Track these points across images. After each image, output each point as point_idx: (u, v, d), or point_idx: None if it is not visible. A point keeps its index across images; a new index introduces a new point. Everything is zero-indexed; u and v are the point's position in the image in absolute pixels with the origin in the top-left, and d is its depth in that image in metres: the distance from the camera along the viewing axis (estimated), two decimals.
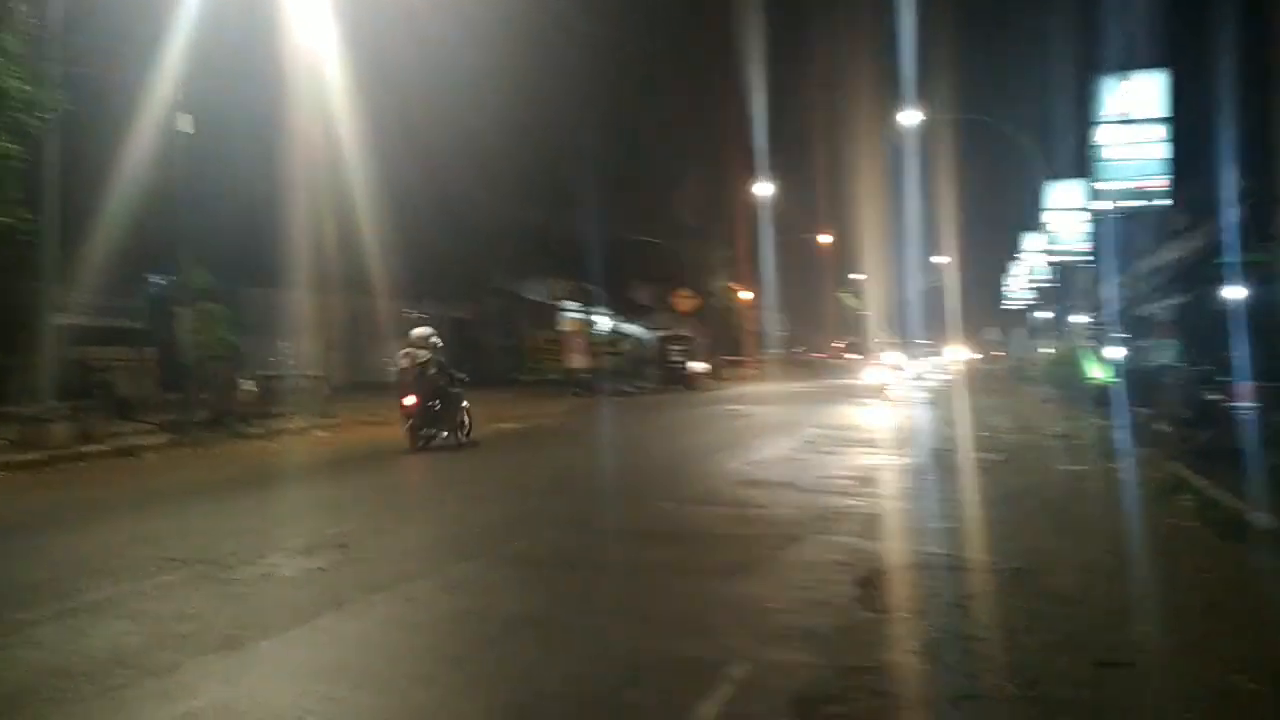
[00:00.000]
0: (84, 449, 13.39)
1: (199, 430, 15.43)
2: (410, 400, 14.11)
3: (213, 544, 7.46)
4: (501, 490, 11.27)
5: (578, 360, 33.17)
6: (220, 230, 18.83)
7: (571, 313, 42.37)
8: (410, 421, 14.15)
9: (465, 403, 14.85)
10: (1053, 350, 33.68)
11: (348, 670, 4.73)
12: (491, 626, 5.46)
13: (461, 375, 15.03)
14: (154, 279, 21.22)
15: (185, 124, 15.64)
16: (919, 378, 35.81)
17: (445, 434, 14.49)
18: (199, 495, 10.50)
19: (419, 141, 25.63)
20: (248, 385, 17.59)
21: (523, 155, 32.22)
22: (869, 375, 28.90)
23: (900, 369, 37.53)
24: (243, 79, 18.72)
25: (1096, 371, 21.14)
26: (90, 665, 4.73)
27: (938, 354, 48.07)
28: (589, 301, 42.56)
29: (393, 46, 22.72)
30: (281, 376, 19.96)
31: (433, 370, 14.31)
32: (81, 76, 14.42)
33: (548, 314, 41.13)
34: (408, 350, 14.51)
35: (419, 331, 14.69)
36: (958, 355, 50.17)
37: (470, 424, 14.97)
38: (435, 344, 14.57)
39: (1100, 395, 19.24)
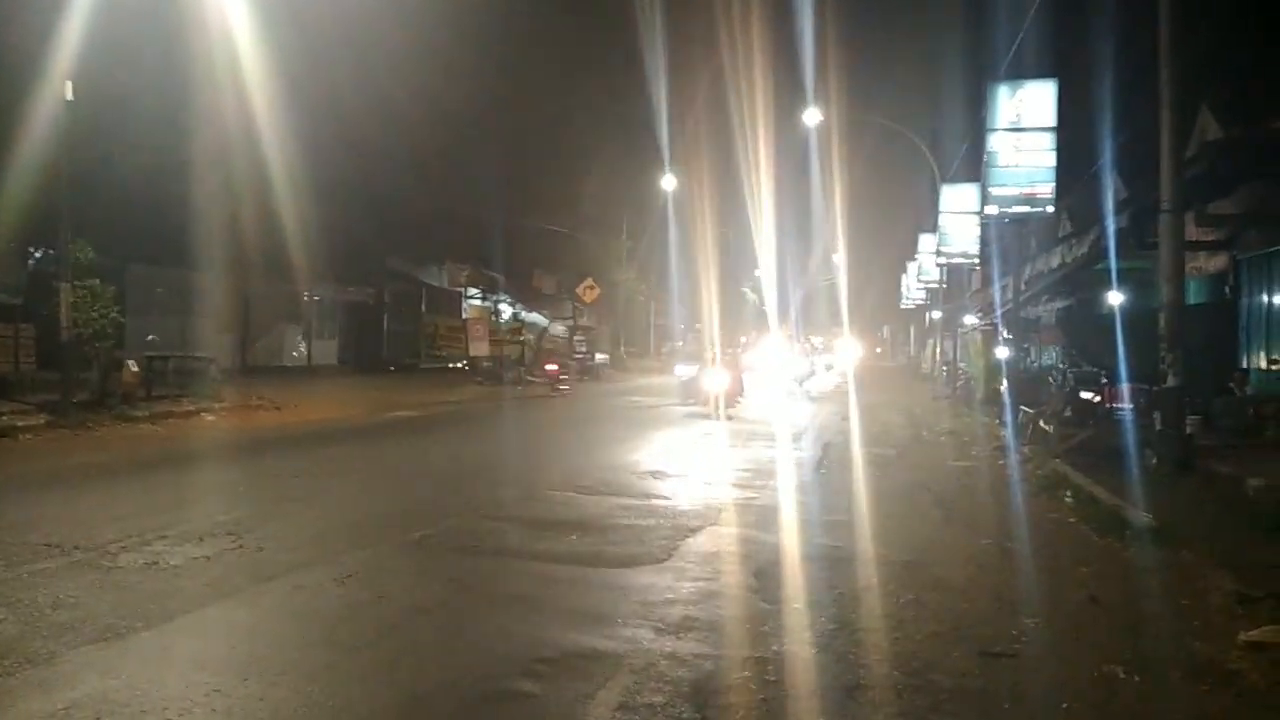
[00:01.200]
0: None
1: (79, 411, 14.77)
2: (553, 366, 27.15)
3: (94, 530, 7.16)
4: (400, 477, 11.10)
5: (480, 348, 32.80)
6: (111, 205, 18.06)
7: (474, 300, 41.92)
8: (552, 378, 26.43)
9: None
10: (940, 350, 34.65)
11: (235, 661, 4.59)
12: (386, 616, 5.37)
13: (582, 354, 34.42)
14: (36, 254, 20.23)
15: (66, 91, 14.90)
16: (803, 378, 29.37)
17: (567, 388, 26.50)
18: (79, 479, 10.07)
19: (321, 123, 24.98)
20: (131, 366, 16.91)
21: (427, 139, 31.70)
22: (709, 379, 20.57)
23: (758, 368, 30.63)
24: (143, 50, 17.95)
25: (982, 370, 21.90)
26: None
27: (828, 351, 45.00)
28: (491, 289, 42.18)
29: (303, 26, 22.08)
30: (169, 358, 19.26)
31: (563, 349, 30.07)
32: None
33: (449, 300, 40.60)
34: (552, 337, 29.25)
35: (557, 329, 32.76)
36: (848, 352, 49.33)
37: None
38: (565, 336, 28.25)
39: (988, 394, 19.92)
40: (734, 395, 20.57)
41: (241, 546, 6.86)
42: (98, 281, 16.62)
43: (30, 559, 6.31)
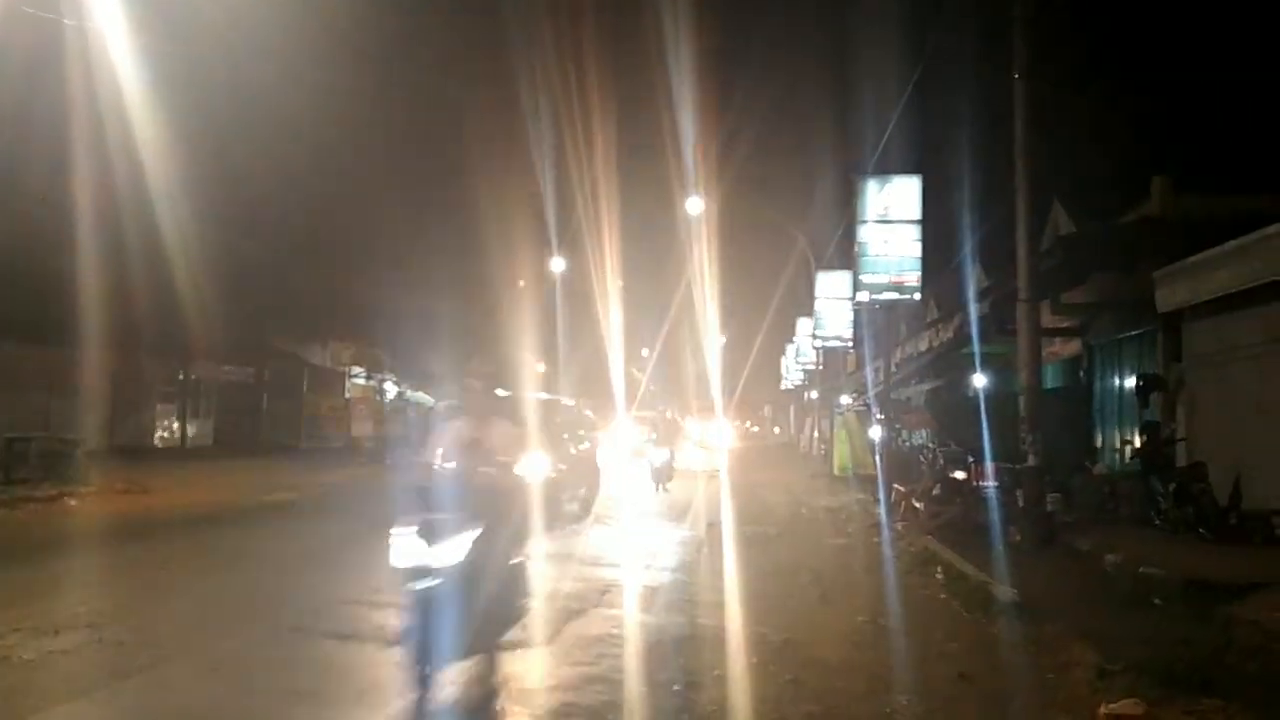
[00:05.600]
0: None
1: None
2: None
3: None
4: (273, 564, 10.75)
5: (363, 428, 32.16)
6: None
7: (358, 379, 41.20)
8: None
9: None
10: (818, 430, 35.42)
11: None
12: (253, 709, 5.21)
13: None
14: None
15: None
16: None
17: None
18: None
19: (200, 195, 24.48)
20: None
21: (312, 217, 31.39)
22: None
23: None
24: (17, 114, 17.41)
25: (851, 452, 22.51)
26: None
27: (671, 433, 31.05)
28: (377, 368, 41.56)
29: (190, 99, 21.71)
30: (29, 439, 18.32)
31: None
32: None
33: (333, 380, 39.80)
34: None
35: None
36: (719, 432, 44.98)
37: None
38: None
39: (862, 472, 20.48)
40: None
41: (101, 640, 6.55)
42: None
43: None
